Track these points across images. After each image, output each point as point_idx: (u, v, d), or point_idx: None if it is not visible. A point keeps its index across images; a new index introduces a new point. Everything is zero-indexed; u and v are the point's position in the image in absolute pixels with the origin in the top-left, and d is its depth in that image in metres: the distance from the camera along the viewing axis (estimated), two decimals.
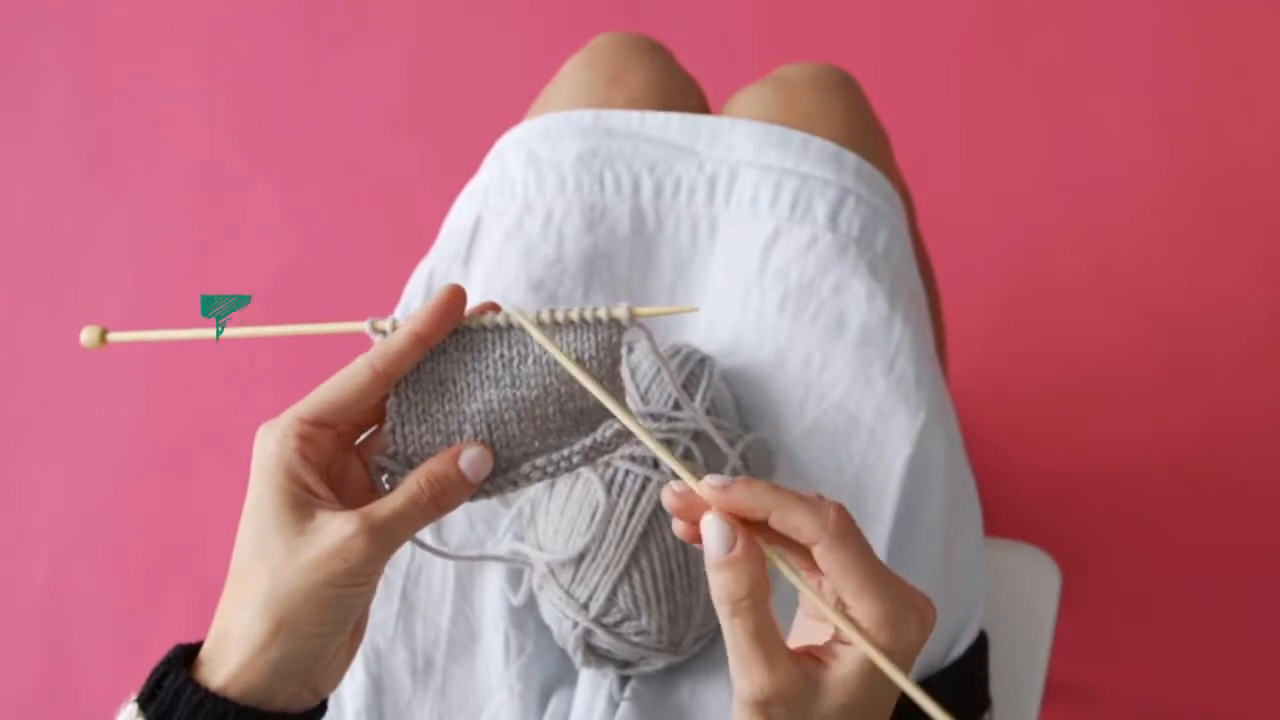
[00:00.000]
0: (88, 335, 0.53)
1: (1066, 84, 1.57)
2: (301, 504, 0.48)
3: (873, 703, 0.45)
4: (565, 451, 0.53)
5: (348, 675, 0.71)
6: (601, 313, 0.51)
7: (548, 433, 0.52)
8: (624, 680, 0.71)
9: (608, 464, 0.67)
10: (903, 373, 0.76)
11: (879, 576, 0.45)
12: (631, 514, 0.66)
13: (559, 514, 0.68)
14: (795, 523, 0.45)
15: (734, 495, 0.45)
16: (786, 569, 0.46)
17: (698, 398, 0.71)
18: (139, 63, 1.74)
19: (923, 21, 1.62)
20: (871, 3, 1.63)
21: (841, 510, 0.45)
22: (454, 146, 1.31)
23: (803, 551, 0.46)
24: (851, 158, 0.81)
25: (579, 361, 0.51)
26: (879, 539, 0.72)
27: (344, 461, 0.52)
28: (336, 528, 0.47)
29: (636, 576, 0.65)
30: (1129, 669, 1.35)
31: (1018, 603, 0.94)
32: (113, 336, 0.53)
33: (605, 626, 0.66)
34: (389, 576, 0.73)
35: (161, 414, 1.56)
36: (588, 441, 0.53)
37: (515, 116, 0.91)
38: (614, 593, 0.66)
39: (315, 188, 1.64)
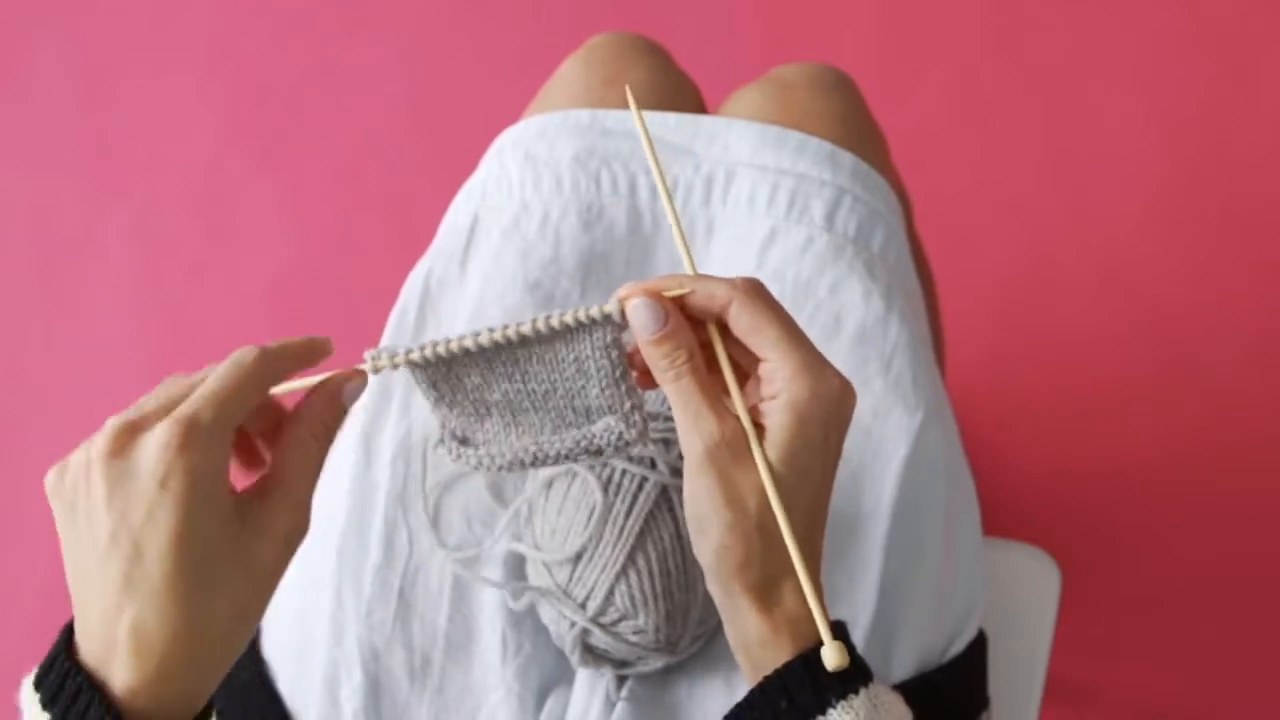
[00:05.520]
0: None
1: (1066, 84, 1.57)
2: (240, 510, 0.46)
3: (805, 453, 0.48)
4: (557, 443, 0.53)
5: (345, 675, 0.71)
6: (594, 311, 0.50)
7: (563, 425, 0.54)
8: (621, 680, 0.71)
9: (605, 464, 0.67)
10: (900, 372, 0.76)
11: (794, 331, 0.48)
12: (629, 514, 0.66)
13: (556, 514, 0.68)
14: (710, 289, 0.49)
15: (654, 283, 0.49)
16: (716, 338, 0.50)
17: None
18: (139, 62, 1.74)
19: (922, 21, 1.61)
20: (871, 3, 1.63)
21: (753, 278, 0.49)
22: (453, 146, 1.31)
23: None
24: (848, 157, 0.81)
25: (576, 360, 0.51)
26: (877, 538, 0.72)
27: None
28: (281, 525, 0.47)
29: (633, 576, 0.65)
30: (1129, 669, 1.35)
31: (1018, 603, 0.93)
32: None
33: (602, 626, 0.66)
34: (386, 577, 0.73)
35: None
36: (578, 434, 0.53)
37: (514, 116, 0.91)
38: (611, 592, 0.66)
39: (315, 188, 1.64)
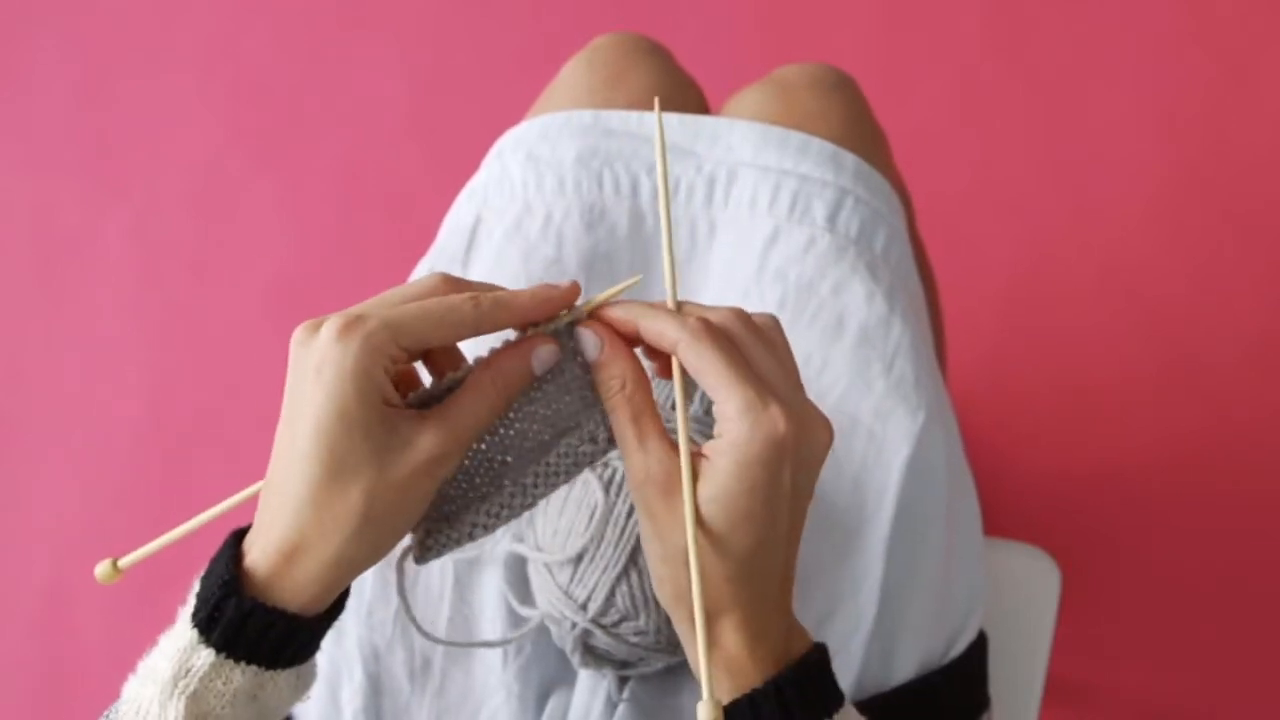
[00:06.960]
0: (101, 571, 0.52)
1: (1066, 84, 1.57)
2: (387, 418, 0.46)
3: (746, 496, 0.46)
4: (554, 456, 0.52)
5: (346, 675, 0.71)
6: (560, 322, 0.50)
7: (563, 429, 0.52)
8: (622, 681, 0.71)
9: (606, 464, 0.67)
10: (901, 373, 0.76)
11: (740, 373, 0.47)
12: (630, 514, 0.66)
13: (557, 515, 0.68)
14: (659, 328, 0.48)
15: (607, 314, 0.50)
16: (677, 371, 0.49)
17: (696, 397, 0.71)
18: (139, 62, 1.74)
19: (922, 21, 1.62)
20: (871, 3, 1.63)
21: (704, 318, 0.48)
22: (454, 146, 1.32)
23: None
24: (850, 158, 0.81)
25: (556, 379, 0.51)
26: (879, 540, 0.72)
27: None
28: (427, 443, 0.46)
29: (634, 576, 0.65)
30: (1129, 669, 1.35)
31: (1018, 603, 0.93)
32: (124, 562, 0.52)
33: (603, 627, 0.66)
34: (387, 577, 0.73)
35: (162, 414, 1.56)
36: (572, 436, 0.52)
37: (515, 116, 0.91)
38: (612, 593, 0.66)
39: (315, 188, 1.64)
